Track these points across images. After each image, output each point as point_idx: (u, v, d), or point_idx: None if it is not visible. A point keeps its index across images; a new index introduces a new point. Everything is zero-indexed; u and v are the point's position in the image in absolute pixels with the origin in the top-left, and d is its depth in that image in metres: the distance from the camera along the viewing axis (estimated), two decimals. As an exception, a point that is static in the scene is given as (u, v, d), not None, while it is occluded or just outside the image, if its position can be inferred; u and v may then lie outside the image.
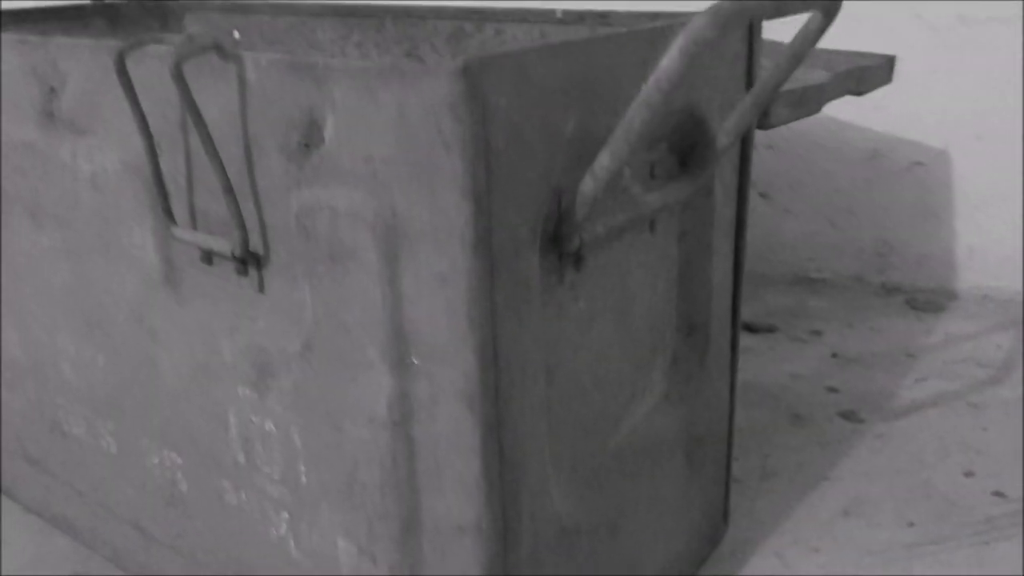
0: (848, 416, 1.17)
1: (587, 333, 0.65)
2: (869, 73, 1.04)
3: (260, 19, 1.17)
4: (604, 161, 0.53)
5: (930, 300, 1.50)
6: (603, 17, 0.88)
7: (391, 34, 1.05)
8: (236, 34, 1.22)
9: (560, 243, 0.57)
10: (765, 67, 0.83)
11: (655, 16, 0.84)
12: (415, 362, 0.54)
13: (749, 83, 0.77)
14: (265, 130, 0.56)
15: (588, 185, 0.54)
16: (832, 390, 1.24)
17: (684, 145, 0.71)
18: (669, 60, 0.49)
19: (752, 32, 0.75)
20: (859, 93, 1.03)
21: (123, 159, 0.67)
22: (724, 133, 0.70)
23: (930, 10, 1.39)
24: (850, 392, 1.23)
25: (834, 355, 1.34)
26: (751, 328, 1.42)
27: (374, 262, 0.54)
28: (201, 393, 0.70)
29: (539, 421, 0.60)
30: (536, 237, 0.55)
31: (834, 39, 1.43)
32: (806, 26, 0.63)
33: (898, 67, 1.45)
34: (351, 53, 1.10)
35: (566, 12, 0.90)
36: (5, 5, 2.01)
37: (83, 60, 0.67)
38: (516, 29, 0.95)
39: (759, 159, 1.55)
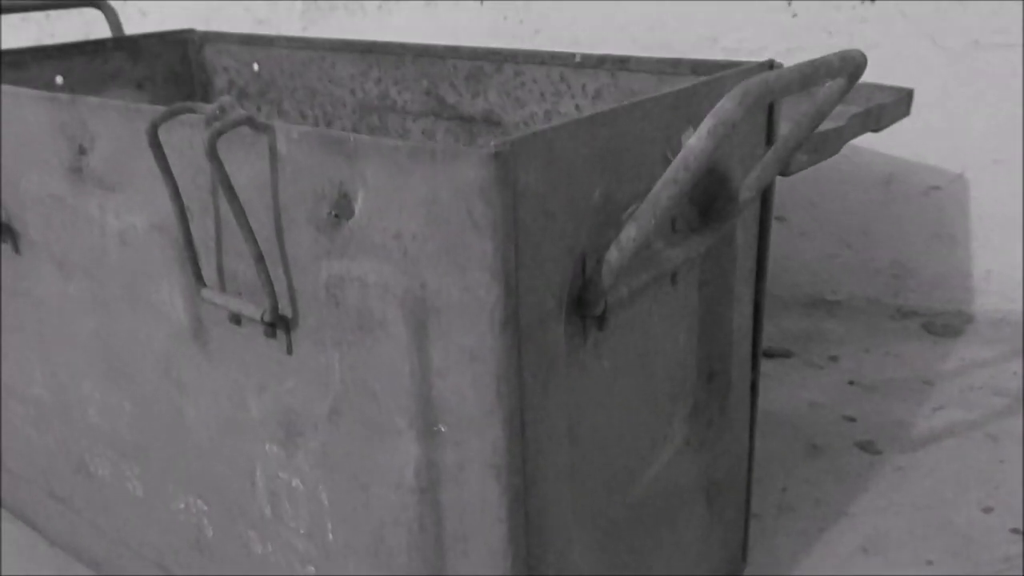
0: (866, 447, 1.18)
1: (610, 389, 0.65)
2: (887, 110, 1.04)
3: (279, 52, 1.18)
4: (631, 233, 0.53)
5: (947, 324, 1.50)
6: (622, 62, 0.88)
7: (410, 71, 1.06)
8: (255, 66, 1.23)
9: (585, 307, 0.57)
10: (785, 116, 0.84)
11: (676, 63, 0.85)
12: (443, 430, 0.55)
13: (770, 134, 0.77)
14: (295, 200, 0.57)
15: (614, 255, 0.54)
16: (849, 419, 1.24)
17: (705, 198, 0.71)
18: (697, 140, 0.49)
19: (772, 83, 0.76)
20: (877, 130, 1.03)
21: (152, 219, 0.68)
22: (746, 188, 0.70)
23: (946, 35, 1.38)
24: (867, 421, 1.23)
25: (851, 382, 1.34)
26: (768, 353, 1.42)
27: (403, 334, 0.54)
28: (228, 446, 0.71)
29: (563, 483, 0.60)
30: (562, 306, 0.56)
31: (850, 66, 1.43)
32: (829, 87, 0.64)
33: (914, 91, 1.44)
34: (370, 89, 1.11)
35: (585, 56, 0.91)
36: (29, 42, 2.03)
37: (112, 122, 0.68)
38: (535, 71, 0.96)
39: (775, 181, 1.54)
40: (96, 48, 1.15)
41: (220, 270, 0.65)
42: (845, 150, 1.51)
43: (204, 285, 0.64)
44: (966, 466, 1.12)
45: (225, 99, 0.57)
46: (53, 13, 1.95)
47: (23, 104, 0.75)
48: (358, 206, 0.54)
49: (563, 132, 0.52)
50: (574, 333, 0.59)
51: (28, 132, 0.76)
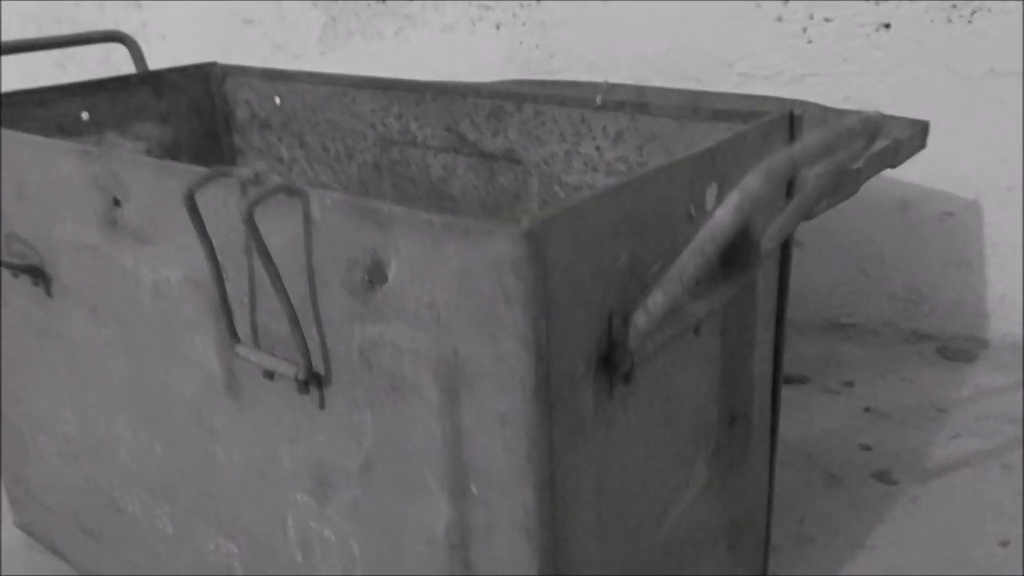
0: (882, 477, 1.18)
1: (635, 440, 0.66)
2: (904, 145, 1.05)
3: (300, 87, 1.20)
4: (658, 299, 0.55)
5: (961, 348, 1.51)
6: (642, 107, 0.89)
7: (431, 108, 1.08)
8: (277, 100, 1.25)
9: (612, 366, 0.59)
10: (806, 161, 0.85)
11: (694, 109, 0.86)
12: (474, 491, 0.56)
13: (790, 183, 0.78)
14: (329, 264, 0.59)
15: (642, 319, 0.55)
16: (865, 448, 1.25)
17: (728, 250, 0.72)
18: (724, 214, 0.51)
19: (793, 133, 0.77)
20: (894, 166, 1.04)
21: (186, 273, 0.69)
22: (768, 238, 0.71)
23: (962, 63, 1.39)
24: (883, 450, 1.24)
25: (866, 409, 1.35)
26: (784, 379, 1.43)
27: (435, 398, 0.56)
28: (259, 493, 0.73)
29: (591, 537, 0.62)
30: (591, 367, 0.57)
31: (865, 91, 1.45)
32: (851, 147, 0.65)
33: (929, 118, 1.46)
34: (391, 124, 1.12)
35: (605, 99, 0.92)
36: (50, 66, 2.06)
37: (146, 177, 0.69)
38: (556, 111, 0.97)
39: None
40: (121, 84, 1.17)
41: (254, 326, 0.66)
42: (860, 175, 1.52)
43: (239, 341, 0.66)
44: (982, 498, 1.13)
45: (259, 165, 0.59)
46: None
47: (56, 155, 0.77)
48: (391, 273, 0.55)
49: (591, 204, 0.53)
50: (601, 389, 0.60)
51: (61, 182, 0.78)
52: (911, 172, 1.47)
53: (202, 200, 0.64)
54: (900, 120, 1.16)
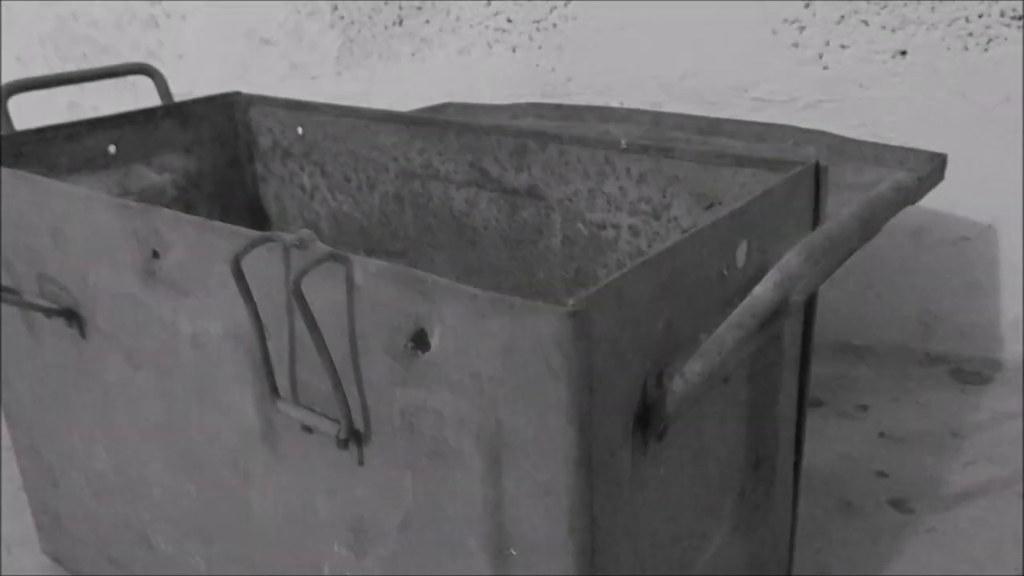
0: (898, 505, 1.20)
1: (667, 494, 0.68)
2: (924, 182, 1.06)
3: (323, 118, 1.21)
4: (696, 368, 0.56)
5: (975, 371, 1.52)
6: (667, 152, 0.90)
7: (454, 144, 1.09)
8: (299, 129, 1.26)
9: (648, 428, 0.60)
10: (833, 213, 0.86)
11: (718, 155, 0.87)
12: (514, 554, 0.58)
13: (816, 220, 0.79)
14: (372, 329, 0.60)
15: (680, 386, 0.57)
16: (881, 474, 1.26)
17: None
18: (764, 291, 0.52)
19: (819, 182, 0.78)
20: (915, 202, 1.05)
21: (226, 327, 0.71)
22: (798, 292, 0.72)
23: (978, 90, 1.40)
24: (899, 477, 1.25)
25: (881, 434, 1.36)
26: (798, 403, 1.44)
27: (477, 465, 0.57)
28: (295, 541, 0.74)
29: (625, 593, 0.63)
30: (628, 433, 0.58)
31: (881, 117, 1.45)
32: (884, 209, 0.66)
33: (944, 145, 1.47)
34: (413, 157, 1.14)
35: (630, 143, 0.93)
36: (79, 115, 2.07)
37: (187, 234, 0.71)
38: (579, 151, 0.98)
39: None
40: (147, 116, 1.18)
41: (293, 381, 0.67)
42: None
43: (279, 397, 0.67)
44: (999, 527, 1.14)
45: (304, 232, 0.60)
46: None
47: (96, 206, 0.78)
48: (435, 342, 0.57)
49: (631, 277, 0.54)
50: (636, 450, 0.61)
51: (100, 231, 0.79)
52: (926, 198, 1.48)
53: (245, 260, 0.65)
54: (919, 153, 1.16)
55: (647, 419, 0.59)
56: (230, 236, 0.67)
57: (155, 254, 0.75)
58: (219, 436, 0.77)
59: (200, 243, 0.70)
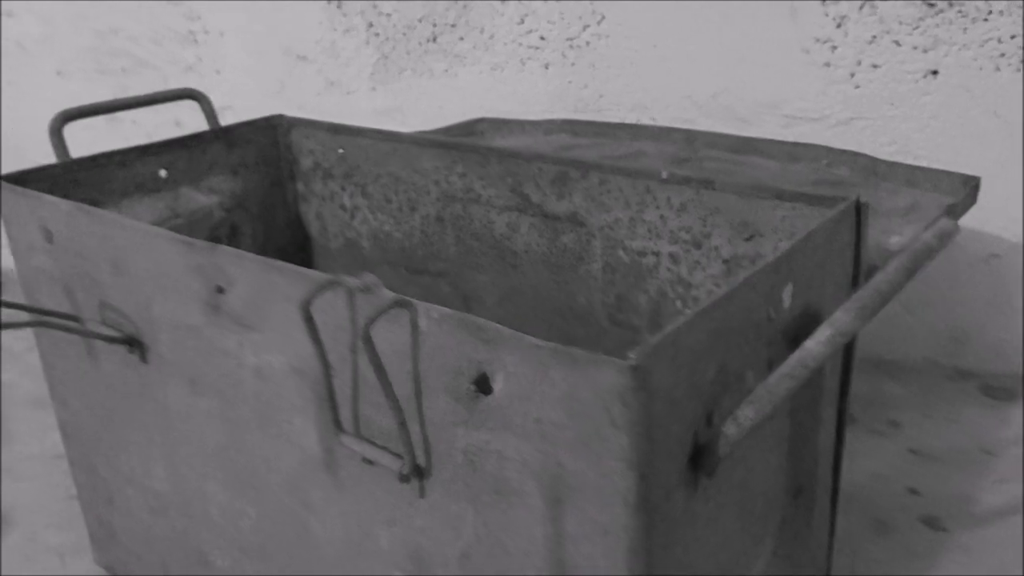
0: (931, 523, 1.21)
1: (713, 526, 0.70)
2: (957, 209, 1.07)
3: (364, 141, 1.24)
4: (748, 413, 0.58)
5: (1005, 387, 1.53)
6: (707, 183, 0.93)
7: (495, 170, 1.11)
8: (340, 151, 1.29)
9: (700, 469, 0.62)
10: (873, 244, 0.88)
11: (759, 188, 0.89)
12: (572, 588, 0.61)
13: (856, 267, 0.81)
14: (434, 372, 0.63)
15: (733, 430, 0.59)
16: (913, 492, 1.28)
17: (800, 335, 0.76)
18: (816, 346, 0.54)
19: (860, 219, 0.80)
20: (948, 229, 1.07)
21: (290, 361, 0.74)
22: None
23: (1010, 109, 1.41)
24: (931, 494, 1.27)
25: (912, 451, 1.38)
26: (829, 418, 1.46)
27: (538, 505, 0.60)
28: (354, 566, 0.77)
29: (676, 623, 0.66)
30: (682, 475, 0.61)
31: (912, 135, 1.47)
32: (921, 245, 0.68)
33: (974, 164, 1.48)
34: (454, 181, 1.17)
35: (671, 174, 0.95)
36: (130, 141, 2.11)
37: (252, 272, 0.74)
38: (621, 181, 1.00)
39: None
40: (196, 141, 1.22)
41: (356, 415, 0.70)
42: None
43: (342, 431, 0.70)
44: (1031, 547, 1.16)
45: (369, 278, 0.63)
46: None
47: (160, 243, 0.81)
48: (497, 387, 0.59)
49: (687, 327, 0.57)
50: (688, 487, 0.64)
51: (163, 265, 0.83)
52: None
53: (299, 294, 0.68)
54: (952, 176, 1.18)
55: (699, 460, 0.62)
56: (295, 277, 0.70)
57: (219, 289, 0.78)
58: (279, 462, 0.81)
59: (264, 282, 0.73)
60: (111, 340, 0.92)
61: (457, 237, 1.21)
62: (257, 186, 1.34)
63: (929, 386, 1.56)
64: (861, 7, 1.44)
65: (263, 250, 1.33)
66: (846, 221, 0.78)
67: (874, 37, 1.45)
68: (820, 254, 0.74)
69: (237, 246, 1.30)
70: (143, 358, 0.92)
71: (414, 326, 0.62)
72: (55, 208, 0.92)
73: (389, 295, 0.62)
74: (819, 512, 0.88)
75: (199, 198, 1.26)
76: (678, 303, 0.99)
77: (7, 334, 1.90)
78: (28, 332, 1.80)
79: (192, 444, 0.90)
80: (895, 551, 1.17)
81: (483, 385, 0.60)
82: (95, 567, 1.21)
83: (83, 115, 1.14)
